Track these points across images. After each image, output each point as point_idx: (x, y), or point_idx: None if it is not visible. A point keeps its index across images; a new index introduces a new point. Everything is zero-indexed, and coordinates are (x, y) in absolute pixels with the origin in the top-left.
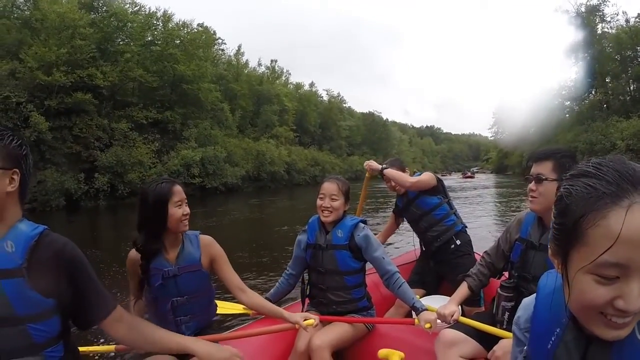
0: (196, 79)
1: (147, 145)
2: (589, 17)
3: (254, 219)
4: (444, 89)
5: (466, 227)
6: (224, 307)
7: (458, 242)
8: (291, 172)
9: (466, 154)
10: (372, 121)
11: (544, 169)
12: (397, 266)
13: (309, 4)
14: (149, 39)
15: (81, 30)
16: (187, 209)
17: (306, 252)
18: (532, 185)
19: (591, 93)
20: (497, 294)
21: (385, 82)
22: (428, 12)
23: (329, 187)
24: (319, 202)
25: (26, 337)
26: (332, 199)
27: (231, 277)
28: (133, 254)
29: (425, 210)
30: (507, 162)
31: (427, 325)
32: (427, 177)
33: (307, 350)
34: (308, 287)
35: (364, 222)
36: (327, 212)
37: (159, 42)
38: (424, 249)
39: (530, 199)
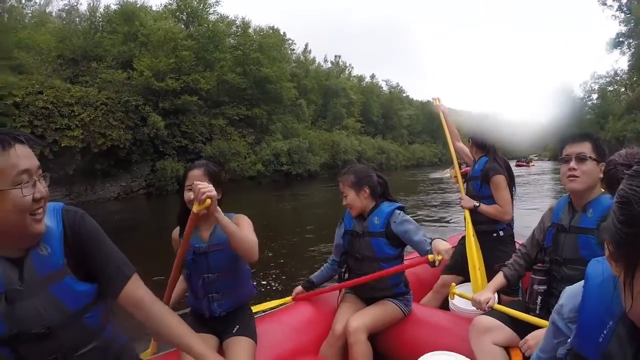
0: (277, 79)
1: (242, 138)
2: (637, 7)
3: (330, 199)
4: (501, 72)
5: (512, 221)
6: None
7: (501, 233)
8: (361, 160)
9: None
10: (430, 110)
11: (584, 148)
12: None
13: None
14: (232, 43)
15: (182, 42)
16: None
17: (344, 239)
18: (572, 164)
19: None
20: (530, 278)
21: (441, 68)
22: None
23: (340, 184)
24: (344, 201)
25: (84, 328)
26: (344, 196)
27: (246, 234)
28: (175, 231)
29: (478, 195)
30: None
31: (439, 257)
32: (506, 194)
33: (344, 332)
34: (345, 272)
35: (401, 208)
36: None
37: (241, 47)
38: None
39: (570, 179)
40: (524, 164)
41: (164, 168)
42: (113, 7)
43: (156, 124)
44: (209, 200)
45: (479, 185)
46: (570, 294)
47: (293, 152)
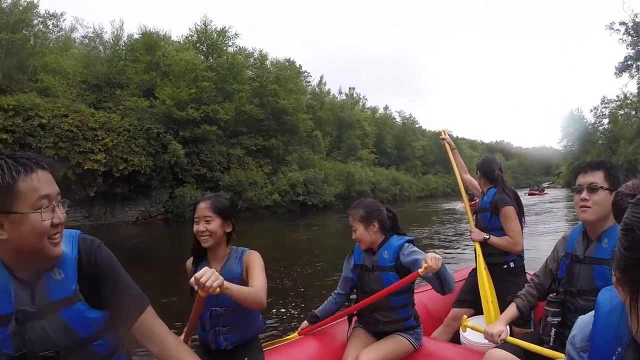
0: (294, 111)
1: (259, 168)
2: None
3: (344, 230)
4: (512, 103)
5: (523, 252)
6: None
7: (512, 264)
8: (375, 191)
9: (537, 168)
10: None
11: (596, 178)
12: None
13: (371, 26)
14: (250, 74)
15: (202, 73)
16: (202, 226)
17: (353, 273)
18: (584, 195)
19: None
20: (543, 310)
21: (452, 98)
22: (491, 27)
23: (350, 218)
24: (353, 235)
25: (93, 355)
26: (354, 230)
27: (255, 276)
28: (189, 261)
29: (488, 227)
30: None
31: (425, 265)
32: (516, 225)
33: None
34: None
35: (411, 241)
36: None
37: (259, 79)
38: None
39: (582, 209)
40: (537, 192)
41: (182, 195)
42: (135, 35)
43: (177, 152)
44: (217, 289)
45: (489, 217)
46: (582, 324)
47: (309, 182)
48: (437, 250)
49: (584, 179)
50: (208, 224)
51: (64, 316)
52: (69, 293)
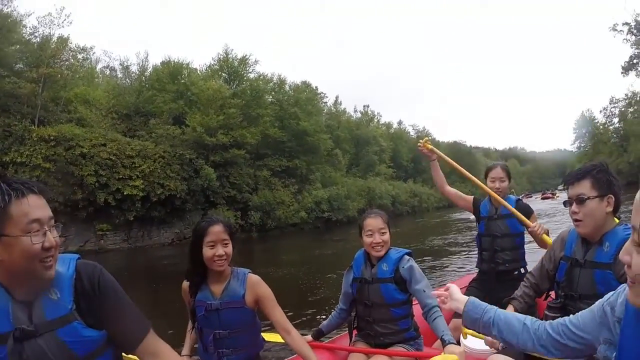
0: (314, 132)
1: (285, 188)
2: None
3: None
4: (523, 108)
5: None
6: (272, 337)
7: (522, 270)
8: (395, 204)
9: (553, 172)
10: (457, 150)
11: (583, 188)
12: None
13: (380, 41)
14: (270, 99)
15: (229, 100)
16: (221, 250)
17: (352, 286)
18: (574, 208)
19: None
20: (544, 315)
21: (464, 107)
22: (502, 33)
23: (375, 222)
24: (367, 239)
25: None
26: (381, 232)
27: (277, 317)
28: (185, 283)
29: (511, 233)
30: None
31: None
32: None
33: None
34: (355, 319)
35: (410, 254)
36: (378, 247)
37: (279, 103)
38: (483, 269)
39: (575, 223)
40: (550, 196)
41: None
42: (159, 65)
43: (209, 176)
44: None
45: (515, 223)
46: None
47: (332, 199)
48: (444, 259)
49: (572, 191)
50: (226, 247)
51: (60, 335)
52: (65, 312)
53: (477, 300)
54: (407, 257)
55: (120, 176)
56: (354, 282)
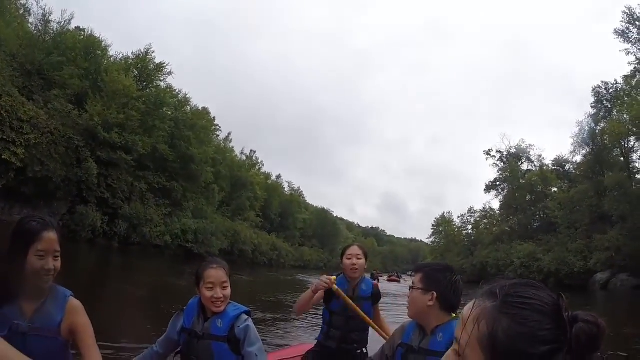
0: (200, 162)
1: (158, 207)
2: (513, 161)
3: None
4: (390, 193)
5: None
6: None
7: (364, 349)
8: (255, 253)
9: (406, 257)
10: (324, 217)
11: (416, 279)
12: None
13: (280, 89)
14: (170, 115)
15: (134, 102)
16: (51, 264)
17: (180, 337)
18: (409, 293)
19: (507, 220)
20: None
21: (338, 177)
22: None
23: (217, 274)
24: (207, 293)
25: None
26: (223, 287)
27: (90, 354)
28: None
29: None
30: None
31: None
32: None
33: None
34: None
35: (248, 312)
36: (219, 302)
37: (175, 122)
38: (327, 345)
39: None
40: (396, 279)
41: (84, 214)
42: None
43: (90, 170)
44: None
45: (370, 306)
46: None
47: (199, 232)
48: (286, 323)
49: (412, 279)
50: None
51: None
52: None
53: None
54: (245, 315)
55: (4, 137)
56: (183, 332)
